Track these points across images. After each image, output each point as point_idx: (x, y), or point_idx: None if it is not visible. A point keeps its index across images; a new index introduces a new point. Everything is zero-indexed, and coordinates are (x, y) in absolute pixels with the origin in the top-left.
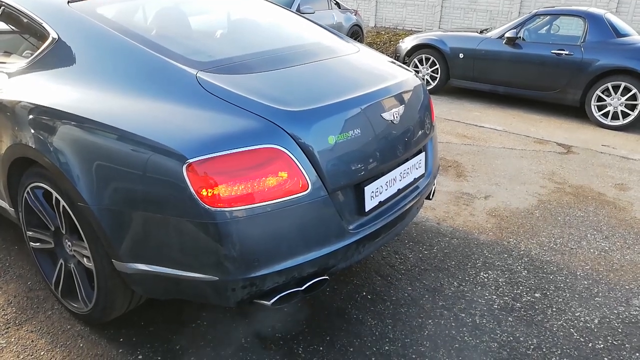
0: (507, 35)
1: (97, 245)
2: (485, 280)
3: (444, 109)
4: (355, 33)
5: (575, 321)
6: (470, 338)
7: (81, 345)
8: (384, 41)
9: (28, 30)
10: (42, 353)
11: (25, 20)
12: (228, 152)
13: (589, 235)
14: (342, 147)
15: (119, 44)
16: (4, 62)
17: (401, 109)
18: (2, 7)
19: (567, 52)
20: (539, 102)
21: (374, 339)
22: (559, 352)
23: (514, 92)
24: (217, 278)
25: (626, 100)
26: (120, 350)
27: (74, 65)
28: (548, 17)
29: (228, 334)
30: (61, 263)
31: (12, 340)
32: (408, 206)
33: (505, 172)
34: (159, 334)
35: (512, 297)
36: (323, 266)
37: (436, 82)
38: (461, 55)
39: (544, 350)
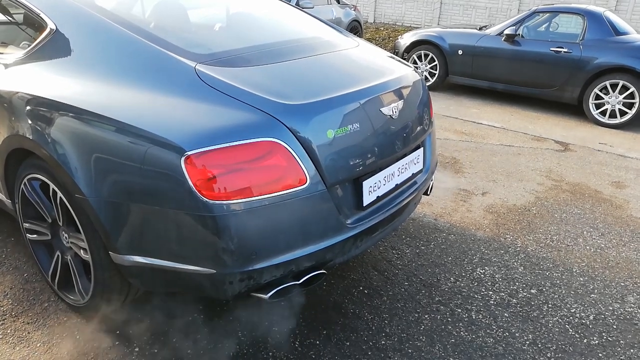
0: (506, 32)
1: (94, 237)
2: (482, 276)
3: (442, 106)
4: (354, 28)
5: (571, 317)
6: (466, 333)
7: (77, 337)
8: (382, 37)
9: (26, 20)
10: (38, 345)
11: (23, 10)
12: (227, 145)
13: (585, 232)
14: (340, 141)
15: (118, 35)
16: (2, 53)
17: (400, 104)
18: None
19: (565, 50)
20: (537, 99)
21: (371, 333)
22: (554, 347)
23: (512, 89)
24: (215, 271)
25: (624, 98)
26: (117, 343)
27: (72, 57)
28: (547, 14)
29: (225, 327)
30: (58, 255)
31: (8, 332)
32: (406, 201)
33: (502, 169)
34: (155, 327)
35: (508, 293)
36: (320, 260)
37: (435, 78)
38: (460, 52)
39: (540, 345)
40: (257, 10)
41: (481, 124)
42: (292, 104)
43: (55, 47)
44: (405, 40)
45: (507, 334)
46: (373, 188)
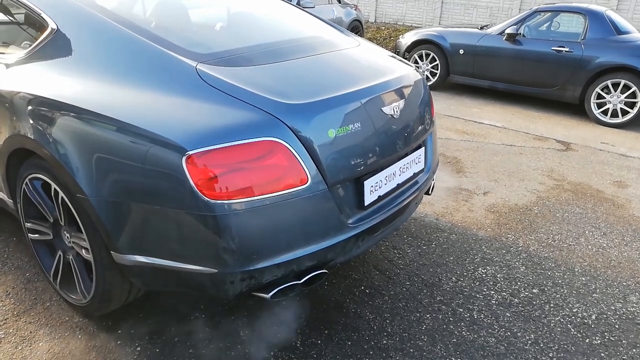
0: (507, 31)
1: (95, 236)
2: (484, 275)
3: (443, 105)
4: (356, 28)
5: (573, 317)
6: (467, 333)
7: (79, 336)
8: (384, 37)
9: (27, 20)
10: (40, 344)
11: (24, 10)
12: (228, 144)
13: (587, 232)
14: (342, 140)
15: (119, 35)
16: (3, 53)
17: (401, 103)
18: None
19: (567, 49)
20: (538, 99)
21: (372, 333)
22: (556, 347)
23: (513, 89)
24: (216, 271)
25: (625, 97)
26: (119, 342)
27: (73, 56)
28: (548, 13)
29: (226, 327)
30: (60, 254)
31: (11, 331)
32: (407, 201)
33: (504, 169)
34: (157, 326)
35: (510, 293)
36: (322, 260)
37: (436, 78)
38: (461, 52)
39: (541, 345)
40: (258, 10)
41: (482, 123)
42: (293, 104)
43: (56, 47)
44: (407, 39)
45: (509, 333)
46: (374, 187)
